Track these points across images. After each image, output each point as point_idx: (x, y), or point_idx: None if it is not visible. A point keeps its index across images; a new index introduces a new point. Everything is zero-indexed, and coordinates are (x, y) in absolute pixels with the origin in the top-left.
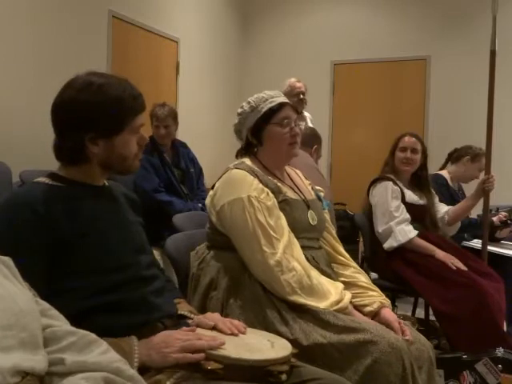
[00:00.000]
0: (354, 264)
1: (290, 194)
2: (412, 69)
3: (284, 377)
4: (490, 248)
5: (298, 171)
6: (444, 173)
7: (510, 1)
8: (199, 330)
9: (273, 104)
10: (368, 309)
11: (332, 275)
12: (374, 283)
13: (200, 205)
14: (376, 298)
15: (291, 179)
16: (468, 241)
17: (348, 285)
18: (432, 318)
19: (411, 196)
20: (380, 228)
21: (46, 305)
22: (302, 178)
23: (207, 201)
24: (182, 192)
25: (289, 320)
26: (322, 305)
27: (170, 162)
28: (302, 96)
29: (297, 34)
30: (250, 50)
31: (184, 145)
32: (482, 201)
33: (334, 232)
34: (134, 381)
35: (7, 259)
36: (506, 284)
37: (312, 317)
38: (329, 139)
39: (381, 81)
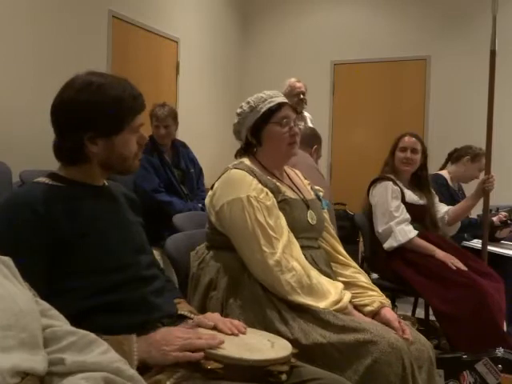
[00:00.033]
0: (353, 264)
1: (290, 193)
2: (412, 69)
3: (284, 377)
4: (490, 248)
5: (297, 171)
6: (444, 173)
7: (510, 1)
8: (199, 330)
9: (272, 104)
10: (368, 308)
11: (331, 275)
12: (374, 283)
13: (200, 205)
14: (376, 297)
15: (290, 179)
16: (468, 241)
17: (348, 285)
18: (432, 318)
19: (411, 196)
20: (380, 228)
21: (46, 305)
22: (301, 177)
23: (206, 201)
24: (182, 192)
25: (288, 320)
26: (321, 304)
27: (170, 162)
28: (302, 96)
29: (297, 34)
30: (250, 50)
31: (184, 145)
32: (481, 201)
33: (333, 232)
34: (134, 381)
35: (7, 259)
36: (506, 284)
37: (312, 316)
38: (329, 139)
39: (381, 81)
